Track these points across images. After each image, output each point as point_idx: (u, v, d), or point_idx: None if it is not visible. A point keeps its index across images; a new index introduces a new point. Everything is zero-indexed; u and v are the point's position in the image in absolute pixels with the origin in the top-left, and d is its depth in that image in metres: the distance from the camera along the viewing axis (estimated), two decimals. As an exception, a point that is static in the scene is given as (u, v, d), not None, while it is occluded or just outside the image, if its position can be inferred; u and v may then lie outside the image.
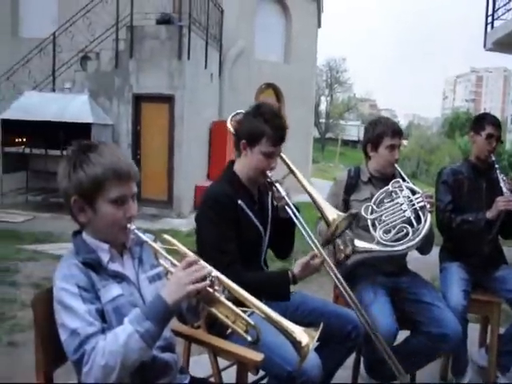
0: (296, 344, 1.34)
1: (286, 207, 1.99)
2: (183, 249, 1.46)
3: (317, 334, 1.36)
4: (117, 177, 1.39)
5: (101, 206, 1.39)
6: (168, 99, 8.50)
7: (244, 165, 2.06)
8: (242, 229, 1.98)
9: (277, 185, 1.98)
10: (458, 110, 46.01)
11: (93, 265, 1.39)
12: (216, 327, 1.90)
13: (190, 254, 1.43)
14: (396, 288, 2.42)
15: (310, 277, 5.61)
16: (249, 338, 1.39)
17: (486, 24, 8.06)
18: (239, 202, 1.99)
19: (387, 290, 2.38)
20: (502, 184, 2.69)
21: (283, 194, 1.97)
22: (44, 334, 1.39)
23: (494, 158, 2.79)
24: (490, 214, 2.64)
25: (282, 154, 2.10)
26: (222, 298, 1.37)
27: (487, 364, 2.80)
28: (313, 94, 14.79)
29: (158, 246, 1.46)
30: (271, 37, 12.29)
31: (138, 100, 8.69)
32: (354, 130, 40.26)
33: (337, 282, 2.02)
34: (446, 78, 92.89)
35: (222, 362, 2.07)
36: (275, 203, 2.07)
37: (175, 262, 1.43)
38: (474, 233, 2.69)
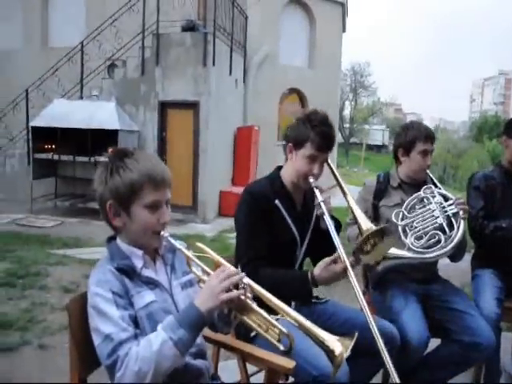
0: (329, 353, 1.32)
1: (321, 214, 1.94)
2: (216, 256, 1.48)
3: (351, 344, 1.33)
4: (152, 182, 1.41)
5: (135, 210, 1.42)
6: (193, 105, 8.58)
7: (288, 168, 2.08)
8: (276, 230, 1.97)
9: (316, 191, 1.96)
10: (486, 114, 45.07)
11: (127, 271, 1.41)
12: (244, 332, 1.90)
13: (223, 261, 1.44)
14: (427, 295, 2.37)
15: (337, 282, 5.58)
16: (281, 348, 1.39)
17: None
18: (276, 201, 2.00)
19: (418, 297, 2.34)
20: None
21: (319, 199, 1.93)
22: (79, 338, 1.42)
23: None
24: None
25: (330, 163, 2.08)
26: (255, 306, 1.37)
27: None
28: (337, 98, 14.72)
29: (190, 253, 1.47)
30: (295, 42, 12.28)
31: (164, 106, 8.80)
32: (378, 135, 39.88)
33: (356, 291, 1.85)
34: (473, 81, 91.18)
35: (250, 368, 2.06)
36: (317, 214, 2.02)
37: (208, 269, 1.44)
38: (508, 239, 2.62)
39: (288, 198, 2.06)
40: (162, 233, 1.44)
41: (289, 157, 2.06)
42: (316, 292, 2.27)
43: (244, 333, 1.90)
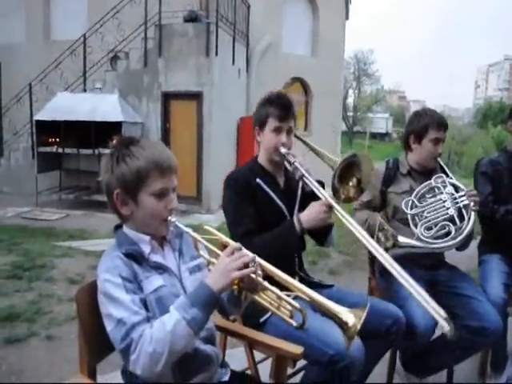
0: (343, 325, 1.32)
1: (300, 176, 2.01)
2: (224, 238, 1.49)
3: (364, 314, 1.33)
4: (159, 170, 1.41)
5: (143, 198, 1.42)
6: (196, 96, 8.55)
7: (261, 149, 2.16)
8: (263, 208, 2.02)
9: (289, 156, 2.05)
10: (490, 100, 44.73)
11: (135, 256, 1.42)
12: (251, 319, 1.90)
13: (232, 242, 1.44)
14: (434, 281, 2.36)
15: (343, 271, 5.57)
16: (294, 324, 1.39)
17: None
18: (257, 180, 2.07)
19: (425, 283, 2.32)
20: None
21: (296, 160, 2.01)
22: (87, 327, 1.42)
23: None
24: None
25: (298, 134, 2.18)
26: (266, 284, 1.37)
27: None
28: (341, 86, 14.62)
29: (198, 236, 1.47)
30: (298, 30, 12.19)
31: (167, 97, 8.77)
32: (382, 123, 39.68)
33: (350, 226, 1.93)
34: (478, 67, 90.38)
35: (257, 356, 2.06)
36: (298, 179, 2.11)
37: (217, 250, 1.44)
38: None
39: (269, 177, 2.14)
40: (169, 218, 1.44)
41: (259, 140, 2.16)
42: (320, 278, 2.27)
43: (251, 320, 1.90)
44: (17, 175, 9.31)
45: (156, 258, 1.47)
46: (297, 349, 1.58)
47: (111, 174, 1.43)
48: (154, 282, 1.41)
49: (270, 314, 1.89)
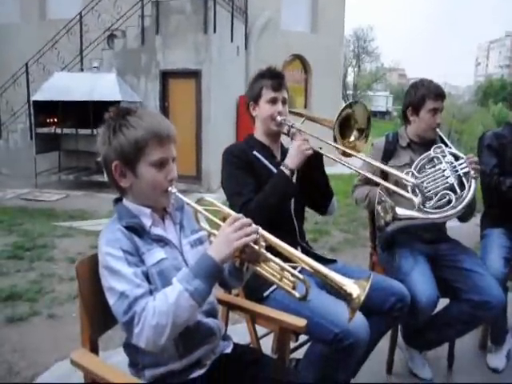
0: (347, 296, 1.31)
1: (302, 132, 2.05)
2: (226, 209, 1.46)
3: (368, 285, 1.31)
4: (157, 139, 1.38)
5: (142, 169, 1.39)
6: (195, 74, 8.45)
7: (258, 123, 2.18)
8: (260, 177, 2.02)
9: (286, 121, 2.08)
10: (491, 77, 44.32)
11: (136, 229, 1.39)
12: (254, 294, 1.90)
13: (233, 213, 1.42)
14: (436, 255, 2.35)
15: (343, 248, 5.56)
16: (297, 295, 1.38)
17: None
18: (254, 152, 2.09)
19: (427, 257, 2.32)
20: None
21: (297, 125, 2.06)
22: (87, 299, 1.40)
23: None
24: None
25: (292, 109, 2.21)
26: (269, 255, 1.35)
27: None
28: (341, 64, 14.43)
29: (200, 207, 1.45)
30: (297, 6, 11.98)
31: (165, 76, 8.67)
32: (382, 101, 39.34)
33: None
34: (478, 44, 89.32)
35: (259, 331, 2.07)
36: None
37: (218, 221, 1.42)
38: None
39: (266, 150, 2.15)
40: (169, 189, 1.41)
41: (254, 115, 2.17)
42: (323, 252, 2.26)
43: (254, 294, 1.90)
44: (15, 157, 9.26)
45: (157, 230, 1.45)
46: (300, 321, 1.57)
47: (109, 145, 1.39)
48: (155, 254, 1.39)
49: (272, 288, 1.88)
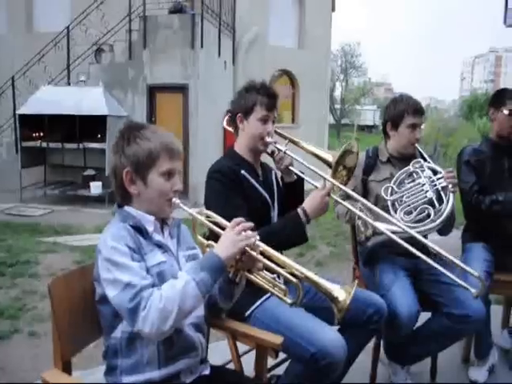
0: (334, 300, 1.42)
1: (287, 161, 2.08)
2: (222, 220, 1.54)
3: (353, 290, 1.44)
4: (169, 153, 1.49)
5: (152, 178, 1.48)
6: (182, 89, 8.49)
7: (243, 138, 2.13)
8: (249, 198, 2.01)
9: (277, 145, 2.07)
10: (476, 92, 45.06)
11: (141, 229, 1.47)
12: (236, 313, 1.89)
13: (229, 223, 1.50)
14: (416, 269, 2.37)
15: (330, 262, 5.57)
16: (288, 300, 1.48)
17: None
18: (242, 171, 2.04)
19: (408, 271, 2.34)
20: None
21: (283, 149, 2.07)
22: (61, 319, 1.39)
23: None
24: None
25: (277, 129, 2.16)
26: (266, 261, 1.45)
27: (510, 346, 2.74)
28: (327, 79, 14.61)
29: (202, 217, 1.55)
30: (285, 22, 12.13)
31: (153, 90, 8.70)
32: (369, 115, 39.76)
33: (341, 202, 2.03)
34: (463, 59, 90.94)
35: (242, 348, 2.06)
36: (279, 174, 2.17)
37: (219, 230, 1.50)
38: (505, 213, 2.61)
39: (250, 168, 2.12)
40: (173, 199, 1.50)
41: (240, 128, 2.12)
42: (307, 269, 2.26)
43: (236, 313, 1.89)
44: (0, 171, 9.17)
45: (158, 237, 1.52)
46: (276, 338, 1.58)
47: (122, 153, 1.48)
48: (156, 256, 1.46)
49: (254, 307, 1.89)
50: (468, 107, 33.22)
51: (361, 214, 2.02)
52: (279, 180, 2.23)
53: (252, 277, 1.51)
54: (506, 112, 2.66)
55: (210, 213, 1.58)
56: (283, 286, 1.50)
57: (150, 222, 1.51)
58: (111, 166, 1.52)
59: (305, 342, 1.70)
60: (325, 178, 1.97)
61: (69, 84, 9.00)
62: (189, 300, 1.33)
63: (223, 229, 1.48)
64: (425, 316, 2.35)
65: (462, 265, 1.93)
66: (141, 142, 1.47)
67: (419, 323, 2.29)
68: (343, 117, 36.64)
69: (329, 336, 1.68)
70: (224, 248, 1.41)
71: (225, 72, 9.94)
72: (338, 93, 37.85)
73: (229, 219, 1.91)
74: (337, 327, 2.04)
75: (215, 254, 1.39)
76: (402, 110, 2.40)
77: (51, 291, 1.39)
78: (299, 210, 1.94)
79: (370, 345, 2.32)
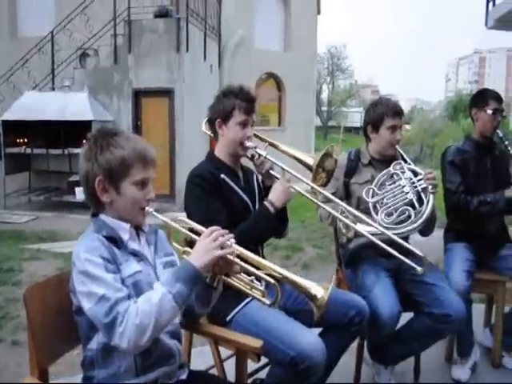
0: (312, 298, 1.45)
1: (268, 165, 2.08)
2: (199, 227, 1.53)
3: (330, 286, 1.47)
4: (143, 161, 1.46)
5: (125, 187, 1.45)
6: (167, 93, 8.47)
7: (222, 143, 2.13)
8: (229, 202, 2.01)
9: (257, 149, 2.07)
10: (461, 93, 45.54)
11: (115, 239, 1.44)
12: (217, 318, 1.89)
13: (204, 229, 1.50)
14: (398, 270, 2.38)
15: (316, 264, 5.57)
16: (267, 301, 1.49)
17: (488, 1, 7.94)
18: (222, 176, 2.04)
19: (389, 272, 2.35)
20: None
21: (264, 153, 2.07)
22: (36, 327, 1.38)
23: (501, 134, 2.71)
24: (510, 193, 2.58)
25: (256, 133, 2.16)
26: (243, 263, 1.45)
27: (492, 344, 2.78)
28: (314, 81, 14.69)
29: (176, 224, 1.53)
30: (270, 26, 12.20)
31: (138, 95, 8.66)
32: (356, 117, 39.96)
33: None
34: (448, 61, 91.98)
35: (225, 353, 2.06)
36: (260, 178, 2.17)
37: (194, 236, 1.50)
38: (493, 214, 2.64)
39: (230, 172, 2.12)
40: (146, 208, 1.48)
41: (220, 133, 2.12)
42: (294, 272, 2.28)
43: (217, 318, 1.89)
44: (-16, 177, 9.07)
45: (133, 245, 1.50)
46: (255, 342, 1.59)
47: (94, 161, 1.44)
48: (131, 266, 1.44)
49: (235, 311, 1.89)
50: (453, 108, 33.55)
51: (340, 216, 2.03)
52: (260, 183, 2.24)
53: (230, 280, 1.51)
54: (489, 112, 2.68)
55: (185, 219, 1.57)
56: (261, 288, 1.52)
57: (125, 230, 1.48)
58: (82, 172, 1.47)
59: (284, 346, 1.71)
60: (306, 183, 2.00)
61: (53, 89, 8.92)
62: (165, 313, 1.31)
63: (199, 235, 1.48)
64: (408, 316, 2.37)
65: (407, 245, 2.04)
66: (114, 150, 1.43)
67: (403, 323, 2.31)
68: (330, 119, 36.86)
69: (307, 339, 1.69)
70: (199, 256, 1.39)
71: (211, 76, 9.94)
72: (324, 95, 38.11)
73: (209, 224, 1.90)
74: (319, 330, 2.05)
75: (190, 263, 1.38)
76: (381, 113, 2.42)
77: (26, 300, 1.38)
78: (266, 203, 2.00)
79: (354, 345, 2.33)
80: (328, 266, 5.00)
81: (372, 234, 2.16)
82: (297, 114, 12.56)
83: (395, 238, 2.02)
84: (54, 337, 1.30)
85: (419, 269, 1.92)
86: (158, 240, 1.60)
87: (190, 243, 1.83)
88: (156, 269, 1.52)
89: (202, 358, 2.32)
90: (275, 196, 2.00)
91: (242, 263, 1.45)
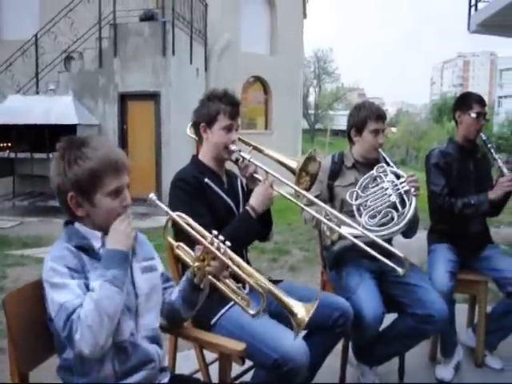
0: (293, 316, 1.45)
1: (252, 168, 2.06)
2: (198, 227, 1.55)
3: (313, 308, 1.45)
4: (114, 169, 1.41)
5: (99, 199, 1.41)
6: (154, 96, 8.46)
7: (207, 147, 2.13)
8: (213, 206, 2.01)
9: (242, 153, 2.07)
10: (445, 96, 46.11)
11: (85, 248, 1.42)
12: (201, 322, 1.89)
13: (203, 231, 1.52)
14: (382, 271, 2.40)
15: (303, 267, 5.57)
16: (251, 312, 1.49)
17: (470, 6, 8.09)
18: (206, 180, 2.04)
19: (373, 273, 2.37)
20: (500, 164, 2.65)
21: (248, 157, 2.06)
22: (16, 333, 1.37)
23: (485, 137, 2.73)
24: (492, 195, 2.61)
25: (240, 136, 2.15)
26: (236, 268, 1.46)
27: (475, 344, 2.81)
28: (300, 84, 14.76)
29: (173, 213, 1.56)
30: (257, 29, 12.23)
31: (124, 98, 8.63)
32: (343, 120, 40.12)
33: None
34: (433, 64, 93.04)
35: (211, 356, 2.06)
36: (244, 181, 2.16)
37: (198, 235, 1.51)
38: (477, 216, 2.68)
39: (214, 176, 2.11)
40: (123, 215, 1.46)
41: (204, 137, 2.11)
42: (280, 275, 2.29)
43: (201, 322, 1.89)
44: (-33, 182, 8.95)
45: None
46: (238, 345, 1.59)
47: (64, 176, 1.40)
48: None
49: (219, 315, 1.89)
50: (438, 111, 33.99)
51: (323, 219, 2.05)
52: (245, 187, 2.24)
53: (217, 283, 1.51)
54: (473, 115, 2.71)
55: (183, 215, 1.57)
56: (246, 297, 1.52)
57: (97, 239, 1.46)
58: (54, 186, 1.43)
59: (267, 349, 1.71)
60: (289, 185, 1.99)
61: (37, 93, 8.85)
62: (109, 300, 1.30)
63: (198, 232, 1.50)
64: (393, 317, 2.40)
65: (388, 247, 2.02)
66: (82, 164, 1.38)
67: (388, 324, 2.33)
68: (317, 122, 37.06)
69: (290, 342, 1.69)
70: (116, 241, 1.39)
71: (197, 79, 9.94)
72: (311, 98, 38.32)
73: None
74: (304, 332, 2.06)
75: (111, 249, 1.38)
76: (364, 117, 2.45)
77: (5, 306, 1.37)
78: (248, 208, 2.00)
79: (339, 347, 2.35)
80: (315, 269, 5.01)
81: (355, 237, 2.19)
82: (284, 117, 12.60)
83: (377, 239, 2.03)
84: (34, 343, 1.29)
85: (400, 270, 1.93)
86: (137, 244, 1.57)
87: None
88: (133, 273, 1.49)
89: (188, 362, 2.31)
90: (256, 201, 2.00)
91: (236, 268, 1.45)
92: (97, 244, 1.45)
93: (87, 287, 1.35)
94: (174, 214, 1.55)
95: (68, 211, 1.44)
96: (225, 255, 1.45)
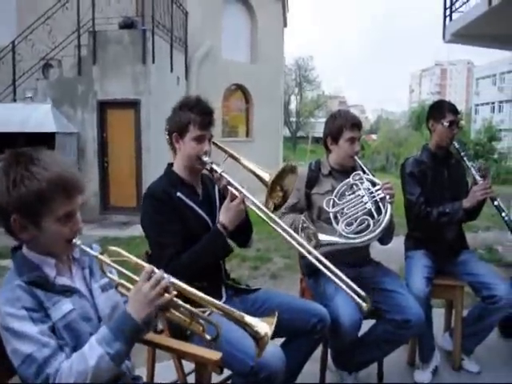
0: (255, 335, 1.38)
1: (225, 184, 1.97)
2: (134, 259, 1.41)
3: (274, 320, 1.39)
4: (65, 191, 1.29)
5: (46, 224, 1.29)
6: (134, 104, 8.41)
7: (180, 157, 2.08)
8: (187, 221, 1.97)
9: (213, 165, 2.00)
10: (424, 103, 46.88)
11: (39, 283, 1.30)
12: (179, 331, 1.88)
13: (145, 265, 1.38)
14: (359, 278, 2.41)
15: (285, 274, 5.58)
16: (208, 337, 1.42)
17: (445, 16, 8.26)
18: (178, 194, 1.99)
19: (351, 280, 2.39)
20: (473, 172, 2.70)
21: (219, 170, 1.98)
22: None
23: (458, 146, 2.78)
24: (467, 204, 2.66)
25: (216, 142, 2.11)
26: (180, 302, 1.36)
27: (452, 348, 2.85)
28: (281, 93, 14.86)
29: (107, 259, 1.39)
30: (237, 37, 12.27)
31: (103, 106, 8.55)
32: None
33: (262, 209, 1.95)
34: (411, 73, 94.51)
35: (191, 366, 2.04)
36: (220, 188, 2.08)
37: (128, 273, 1.40)
38: (453, 223, 2.73)
39: (188, 188, 2.07)
40: (74, 241, 1.34)
41: (177, 147, 2.06)
42: (262, 282, 2.29)
43: (179, 333, 1.88)
44: None
45: (62, 280, 1.37)
46: (214, 354, 1.58)
47: (8, 196, 1.25)
48: (62, 307, 1.32)
49: None
50: (417, 118, 34.54)
51: (297, 236, 2.02)
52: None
53: (168, 315, 1.40)
54: (446, 124, 2.76)
55: (119, 251, 1.41)
56: (201, 321, 1.43)
57: (51, 266, 1.35)
58: None
59: (244, 356, 1.71)
60: (257, 205, 1.96)
61: (15, 100, 8.71)
62: (104, 374, 1.25)
63: (137, 266, 1.37)
64: (371, 323, 2.42)
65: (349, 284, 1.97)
66: (29, 184, 1.23)
67: (365, 330, 2.35)
68: (298, 129, 37.31)
69: (266, 348, 1.70)
70: (139, 308, 1.28)
71: (178, 87, 9.92)
72: (293, 106, 38.58)
73: (165, 246, 1.88)
74: (282, 339, 2.08)
75: (130, 316, 1.27)
76: (340, 125, 2.48)
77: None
78: (218, 226, 1.93)
79: (318, 352, 2.36)
80: (296, 276, 4.96)
81: (332, 244, 2.21)
82: (265, 125, 12.64)
83: (343, 276, 2.01)
84: (2, 357, 1.25)
85: (364, 305, 1.90)
86: (93, 261, 1.46)
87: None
88: (94, 297, 1.42)
89: (168, 372, 2.29)
90: (227, 218, 1.92)
91: (180, 302, 1.36)
92: (51, 273, 1.34)
93: (49, 329, 1.26)
94: (105, 259, 1.38)
95: (11, 234, 1.32)
96: (169, 292, 1.32)
